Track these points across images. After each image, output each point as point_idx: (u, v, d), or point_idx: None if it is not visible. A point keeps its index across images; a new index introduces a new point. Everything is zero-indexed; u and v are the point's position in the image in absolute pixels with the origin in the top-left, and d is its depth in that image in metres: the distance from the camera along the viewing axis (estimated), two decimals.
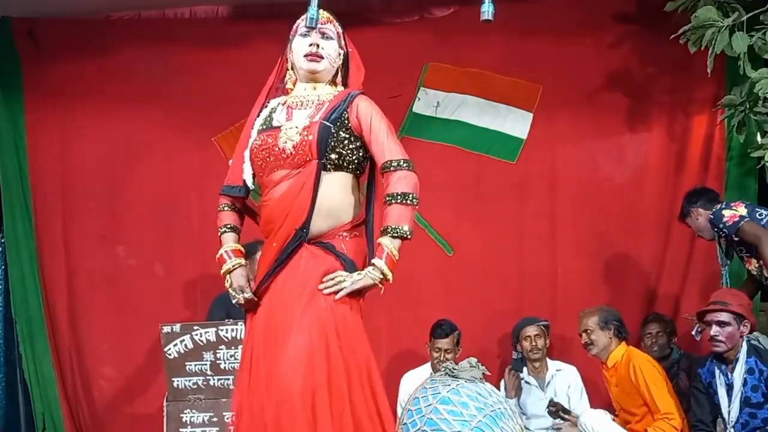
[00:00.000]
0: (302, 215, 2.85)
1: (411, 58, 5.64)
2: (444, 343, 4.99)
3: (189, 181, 5.54)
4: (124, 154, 5.66)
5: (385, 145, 2.92)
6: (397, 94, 5.68)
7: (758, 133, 4.89)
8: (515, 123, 5.65)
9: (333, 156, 2.89)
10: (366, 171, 3.03)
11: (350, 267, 2.87)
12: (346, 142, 2.91)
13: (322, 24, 3.02)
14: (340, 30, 3.09)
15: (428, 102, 5.70)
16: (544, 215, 5.60)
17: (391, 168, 2.90)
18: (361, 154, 2.95)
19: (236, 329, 4.45)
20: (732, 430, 4.31)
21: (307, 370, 2.72)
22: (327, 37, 3.03)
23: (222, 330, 4.48)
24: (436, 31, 5.63)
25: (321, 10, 3.06)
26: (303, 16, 3.09)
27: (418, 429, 3.94)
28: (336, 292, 2.82)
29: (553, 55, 5.55)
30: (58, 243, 5.63)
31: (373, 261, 2.85)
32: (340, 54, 3.07)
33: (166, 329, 4.49)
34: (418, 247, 5.63)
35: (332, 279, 2.83)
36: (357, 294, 2.86)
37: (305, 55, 3.00)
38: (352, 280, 2.82)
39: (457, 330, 5.08)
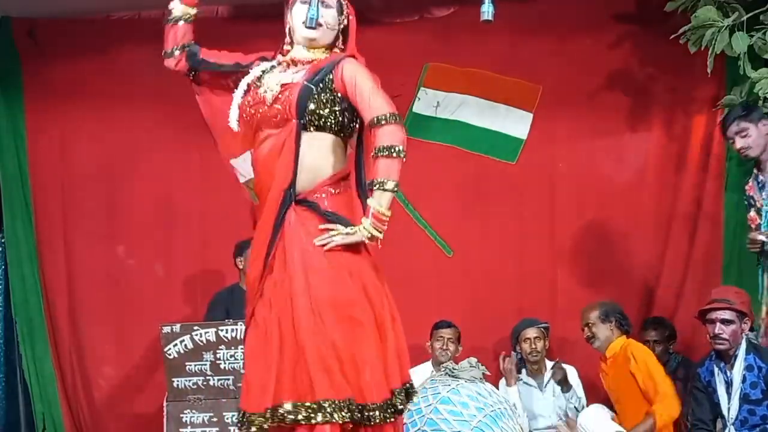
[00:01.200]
0: (288, 175, 2.86)
1: (411, 58, 5.63)
2: (446, 332, 5.03)
3: (189, 181, 5.54)
4: (124, 153, 5.66)
5: (371, 102, 2.91)
6: (397, 94, 5.65)
7: None
8: (515, 123, 5.65)
9: (313, 117, 2.89)
10: (354, 133, 3.02)
11: (335, 221, 2.87)
12: (328, 103, 2.90)
13: None
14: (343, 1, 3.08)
15: (428, 102, 5.70)
16: (544, 215, 5.60)
17: (377, 123, 2.88)
18: (346, 116, 2.94)
19: (236, 329, 4.45)
20: (731, 427, 4.31)
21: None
22: (326, 5, 3.02)
23: (222, 330, 4.47)
24: (436, 31, 5.62)
25: None
26: None
27: (418, 429, 3.94)
28: (326, 245, 2.83)
29: (553, 55, 5.55)
30: (58, 243, 5.63)
31: (363, 218, 2.85)
32: (338, 21, 3.06)
33: (166, 329, 4.49)
34: (418, 247, 5.66)
35: (325, 235, 2.84)
36: (351, 248, 2.86)
37: (303, 22, 3.00)
38: (342, 236, 2.83)
39: (458, 327, 5.10)
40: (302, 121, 2.87)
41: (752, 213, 4.38)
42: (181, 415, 4.46)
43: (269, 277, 2.87)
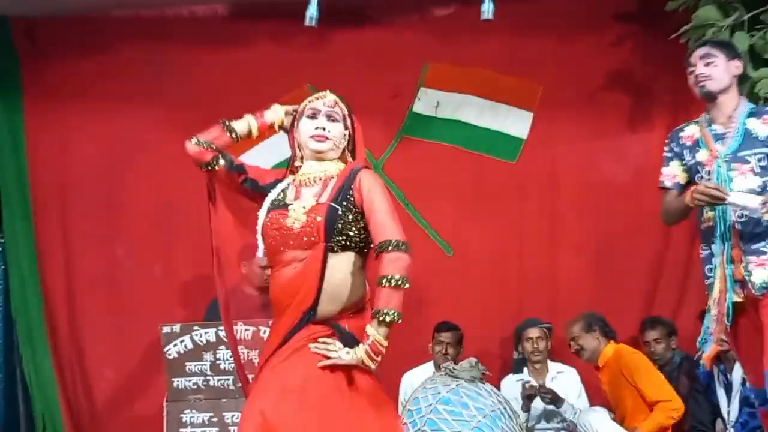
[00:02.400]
0: (310, 297, 2.90)
1: (411, 58, 5.63)
2: (446, 336, 5.03)
3: (188, 182, 5.50)
4: (123, 154, 5.65)
5: (382, 225, 2.94)
6: (397, 94, 5.68)
7: None
8: (515, 123, 5.65)
9: (340, 238, 2.94)
10: (369, 249, 3.04)
11: (351, 341, 2.92)
12: (353, 222, 2.96)
13: (329, 107, 3.09)
14: (346, 111, 3.13)
15: (428, 102, 5.70)
16: (545, 215, 5.59)
17: (384, 248, 2.91)
18: (367, 231, 2.98)
19: (236, 330, 4.43)
20: (731, 429, 4.31)
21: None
22: (333, 120, 3.09)
23: (222, 330, 4.46)
24: (436, 31, 5.62)
25: (330, 94, 3.12)
26: (310, 98, 3.13)
27: (418, 429, 3.93)
28: (324, 356, 2.88)
29: (554, 54, 5.55)
30: (57, 243, 5.63)
31: (361, 344, 2.89)
32: (345, 135, 3.12)
33: (166, 329, 4.48)
34: (418, 248, 5.61)
35: (326, 343, 2.89)
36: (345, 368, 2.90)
37: (311, 136, 3.06)
38: (339, 355, 2.87)
39: (460, 330, 5.09)
40: (330, 243, 2.92)
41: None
42: (181, 416, 4.45)
43: (265, 370, 2.95)
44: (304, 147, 3.10)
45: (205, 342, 4.47)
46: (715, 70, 3.42)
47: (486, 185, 5.64)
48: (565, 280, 5.52)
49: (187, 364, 4.45)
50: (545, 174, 5.62)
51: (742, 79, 4.74)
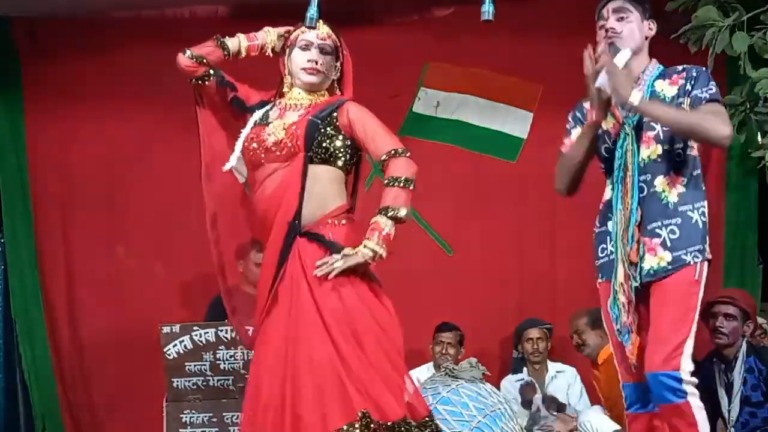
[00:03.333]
0: (293, 207, 2.96)
1: (411, 58, 5.64)
2: (446, 336, 5.03)
3: (189, 182, 5.50)
4: (124, 154, 5.65)
5: (381, 138, 3.05)
6: (397, 94, 5.68)
7: (758, 133, 4.89)
8: (515, 123, 5.65)
9: (319, 150, 3.00)
10: (352, 171, 3.13)
11: (334, 247, 2.95)
12: (332, 138, 3.02)
13: (321, 40, 3.13)
14: (338, 43, 3.18)
15: (428, 102, 5.70)
16: (545, 215, 5.59)
17: (390, 156, 3.01)
18: (349, 152, 3.05)
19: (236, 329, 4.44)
20: (732, 429, 4.31)
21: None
22: (325, 52, 3.14)
23: (222, 330, 4.47)
24: (436, 31, 5.62)
25: (322, 25, 3.15)
26: (302, 26, 3.16)
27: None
28: (329, 274, 2.90)
29: (553, 55, 5.54)
30: (58, 243, 5.62)
31: (366, 239, 2.92)
32: (336, 67, 3.18)
33: (166, 329, 4.48)
34: (418, 247, 5.65)
35: (324, 262, 2.91)
36: (352, 273, 2.93)
37: (303, 68, 3.12)
38: (343, 260, 2.90)
39: (460, 330, 5.09)
40: (309, 154, 2.98)
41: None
42: (181, 415, 4.45)
43: (274, 310, 2.96)
44: (294, 76, 3.15)
45: (205, 342, 4.47)
46: (628, 27, 3.11)
47: (486, 185, 5.64)
48: (565, 280, 5.51)
49: (187, 364, 4.45)
50: (545, 174, 5.59)
51: (742, 79, 4.77)
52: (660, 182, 3.02)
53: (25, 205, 5.58)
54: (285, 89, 3.19)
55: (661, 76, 3.12)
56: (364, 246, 2.91)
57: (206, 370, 4.45)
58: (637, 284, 3.02)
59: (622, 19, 3.11)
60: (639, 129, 3.07)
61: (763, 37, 4.60)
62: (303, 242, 2.95)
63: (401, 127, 5.65)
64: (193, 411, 4.45)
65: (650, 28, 3.17)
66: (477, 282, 5.55)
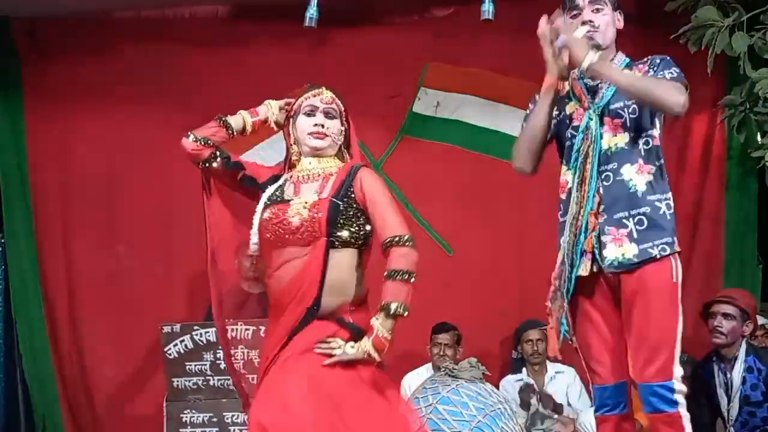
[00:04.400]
0: (313, 292, 2.90)
1: (411, 58, 5.63)
2: (443, 337, 5.02)
3: (189, 181, 5.49)
4: (124, 154, 5.65)
5: (388, 220, 2.97)
6: (397, 94, 5.68)
7: (758, 133, 4.89)
8: (515, 123, 5.61)
9: (341, 233, 2.94)
10: (371, 246, 3.06)
11: (357, 333, 2.92)
12: (353, 219, 2.97)
13: (326, 104, 3.09)
14: (342, 108, 3.14)
15: (428, 102, 5.70)
16: (545, 215, 5.54)
17: (393, 243, 2.94)
18: (367, 229, 3.00)
19: (236, 329, 4.44)
20: (732, 429, 4.31)
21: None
22: (330, 117, 3.10)
23: None
24: (436, 31, 5.62)
25: (326, 91, 3.12)
26: (306, 94, 3.13)
27: (421, 428, 3.94)
28: (328, 356, 2.87)
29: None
30: (58, 243, 5.63)
31: (366, 338, 2.89)
32: (341, 131, 3.13)
33: (166, 329, 4.49)
34: (418, 247, 5.63)
35: (329, 343, 2.89)
36: (350, 363, 2.89)
37: (309, 134, 3.07)
38: (343, 351, 2.87)
39: (457, 330, 5.09)
40: (331, 239, 2.92)
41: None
42: (181, 415, 4.46)
43: (268, 374, 2.93)
44: (301, 143, 3.10)
45: (205, 342, 4.47)
46: (604, 20, 3.03)
47: (486, 185, 5.64)
48: None
49: (187, 364, 4.46)
50: (546, 173, 5.60)
51: (742, 79, 4.77)
52: (627, 170, 2.94)
53: (25, 205, 5.59)
54: (294, 159, 3.13)
55: (628, 67, 3.08)
56: (363, 344, 2.88)
57: (206, 370, 4.46)
58: (585, 273, 2.94)
59: (598, 11, 3.03)
60: (604, 115, 3.00)
61: (762, 37, 4.61)
62: (318, 323, 2.92)
63: (401, 127, 5.65)
64: (193, 411, 4.46)
65: (618, 19, 3.10)
66: (477, 282, 5.55)
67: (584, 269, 2.96)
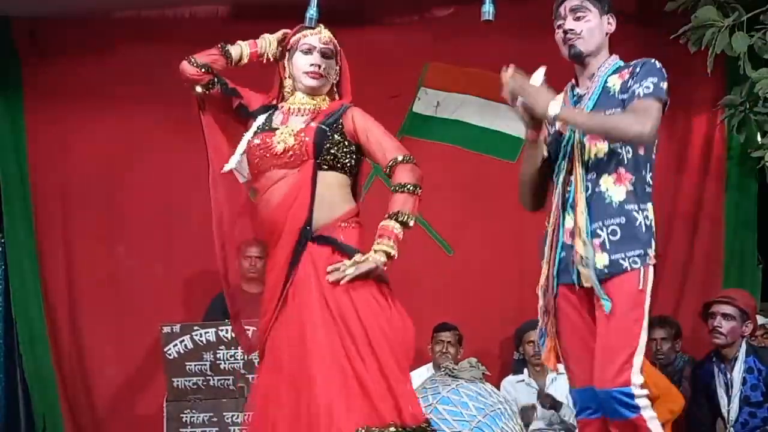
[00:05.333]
0: (304, 213, 2.97)
1: (411, 58, 5.64)
2: (446, 335, 5.03)
3: (189, 181, 5.53)
4: (124, 154, 5.65)
5: (388, 144, 3.11)
6: (397, 94, 5.68)
7: (758, 133, 4.89)
8: (515, 122, 5.61)
9: (328, 157, 3.03)
10: (356, 175, 3.16)
11: (353, 253, 2.97)
12: (339, 144, 3.05)
13: (324, 44, 3.16)
14: (338, 48, 3.23)
15: (428, 102, 5.70)
16: (545, 215, 5.58)
17: (397, 162, 3.07)
18: (354, 157, 3.10)
19: None
20: (731, 429, 4.32)
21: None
22: (327, 56, 3.17)
23: (222, 330, 4.47)
24: (436, 31, 5.63)
25: (323, 29, 3.18)
26: (304, 31, 3.16)
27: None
28: (341, 280, 2.92)
29: (554, 55, 5.53)
30: (58, 243, 5.63)
31: (376, 243, 2.95)
32: (336, 71, 3.21)
33: (166, 329, 4.48)
34: (418, 247, 5.64)
35: (336, 268, 2.93)
36: (364, 277, 2.94)
37: (306, 72, 3.13)
38: (355, 266, 2.92)
39: (458, 330, 5.09)
40: (318, 161, 3.00)
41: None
42: (181, 415, 4.45)
43: (283, 314, 2.96)
44: (296, 80, 3.16)
45: (205, 342, 4.47)
46: (587, 26, 2.98)
47: (486, 185, 5.64)
48: None
49: (187, 364, 4.45)
50: None
51: (742, 79, 4.78)
52: (605, 181, 2.91)
53: (25, 205, 5.58)
54: (286, 92, 3.19)
55: (616, 71, 3.04)
56: (375, 251, 2.94)
57: (206, 370, 4.46)
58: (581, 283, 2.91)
59: (579, 18, 3.00)
60: None
61: (762, 37, 4.61)
62: (314, 247, 2.97)
63: (401, 127, 5.65)
64: (193, 411, 4.45)
65: (609, 23, 3.05)
66: (477, 282, 5.55)
67: (584, 279, 2.92)
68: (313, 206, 2.97)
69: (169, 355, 4.46)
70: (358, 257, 2.93)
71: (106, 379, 5.56)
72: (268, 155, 3.03)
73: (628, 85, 2.94)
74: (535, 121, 2.96)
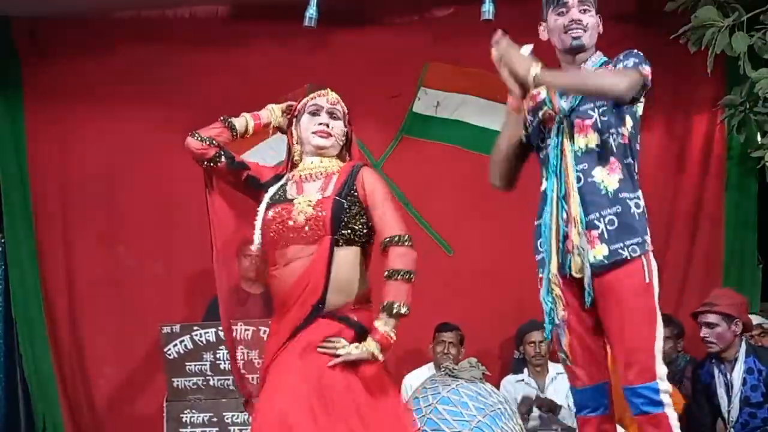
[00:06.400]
0: (318, 291, 2.92)
1: (411, 58, 5.64)
2: (448, 336, 5.03)
3: (189, 181, 5.49)
4: (124, 154, 5.65)
5: (387, 220, 3.00)
6: (397, 94, 5.68)
7: (758, 133, 4.89)
8: None
9: (345, 231, 2.97)
10: (373, 243, 3.08)
11: (361, 331, 2.94)
12: (357, 216, 2.99)
13: (331, 105, 3.12)
14: (346, 110, 3.17)
15: (428, 102, 5.70)
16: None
17: (392, 243, 2.97)
18: (368, 226, 3.03)
19: (236, 330, 4.42)
20: (732, 430, 4.32)
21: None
22: (335, 117, 3.12)
23: (222, 330, 4.47)
24: (436, 31, 5.63)
25: (331, 92, 3.14)
26: (311, 94, 3.15)
27: (418, 429, 3.94)
28: (332, 356, 2.88)
29: (553, 55, 5.54)
30: (58, 243, 5.63)
31: (369, 336, 2.92)
32: (344, 132, 3.15)
33: (166, 329, 4.48)
34: (418, 248, 5.60)
35: (332, 342, 2.90)
36: (353, 364, 2.91)
37: (314, 132, 3.08)
38: (347, 351, 2.88)
39: (460, 330, 5.09)
40: (335, 237, 2.95)
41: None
42: (181, 415, 4.45)
43: (275, 367, 2.95)
44: (305, 143, 3.11)
45: (205, 342, 4.47)
46: (592, 21, 3.01)
47: (486, 185, 5.58)
48: None
49: (187, 364, 4.45)
50: None
51: (742, 79, 4.77)
52: (598, 172, 2.92)
53: (25, 205, 5.59)
54: (296, 159, 3.14)
55: (603, 65, 3.02)
56: (367, 345, 2.90)
57: (206, 370, 4.46)
58: (576, 273, 2.94)
59: (585, 11, 3.00)
60: (575, 117, 2.97)
61: (762, 37, 4.61)
62: (324, 321, 2.93)
63: (401, 127, 5.65)
64: (193, 411, 4.45)
65: (598, 24, 3.08)
66: (477, 282, 5.54)
67: (575, 268, 2.96)
68: (327, 287, 2.91)
69: (169, 355, 4.46)
70: (353, 347, 2.88)
71: (106, 379, 5.56)
72: (284, 229, 2.97)
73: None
74: (520, 88, 2.92)
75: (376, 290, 3.02)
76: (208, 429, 4.45)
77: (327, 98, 3.13)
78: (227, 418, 4.43)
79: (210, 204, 3.22)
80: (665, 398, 2.82)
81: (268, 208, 3.03)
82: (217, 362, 4.46)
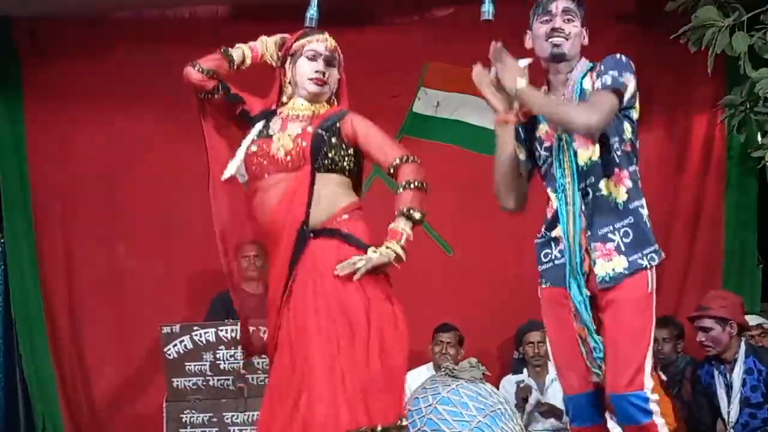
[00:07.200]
0: (301, 211, 2.97)
1: (411, 58, 5.64)
2: (446, 336, 5.03)
3: (189, 181, 5.53)
4: (124, 154, 5.65)
5: (389, 146, 3.11)
6: (397, 94, 5.68)
7: (758, 133, 4.89)
8: None
9: (326, 161, 3.03)
10: (357, 174, 3.15)
11: (360, 245, 2.98)
12: (337, 148, 3.05)
13: (329, 52, 3.15)
14: (341, 57, 3.22)
15: (428, 102, 5.70)
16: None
17: (402, 161, 3.06)
18: (353, 160, 3.09)
19: (236, 329, 4.43)
20: (732, 430, 4.32)
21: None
22: (331, 65, 3.16)
23: (222, 330, 4.48)
24: (436, 31, 5.63)
25: (330, 38, 3.17)
26: (309, 37, 3.14)
27: (418, 429, 3.94)
28: (353, 273, 2.92)
29: None
30: (58, 243, 5.63)
31: (388, 240, 2.98)
32: (338, 80, 3.20)
33: (166, 329, 4.49)
34: (418, 248, 5.61)
35: (348, 262, 2.93)
36: (373, 272, 2.97)
37: (310, 79, 3.11)
38: (366, 259, 2.93)
39: (459, 331, 5.09)
40: (315, 166, 3.00)
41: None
42: (181, 415, 4.45)
43: (286, 312, 2.97)
44: (299, 86, 3.14)
45: (205, 342, 4.47)
46: (574, 30, 2.98)
47: (486, 185, 5.59)
48: None
49: (187, 364, 4.46)
50: None
51: (742, 79, 4.77)
52: (605, 184, 2.89)
53: (25, 205, 5.58)
54: (285, 99, 3.17)
55: (590, 71, 3.04)
56: (387, 247, 2.96)
57: (206, 370, 4.46)
58: (586, 294, 2.90)
59: (569, 20, 2.98)
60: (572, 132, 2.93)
61: (763, 37, 4.61)
62: (317, 243, 2.97)
63: (401, 127, 5.65)
64: (193, 411, 4.46)
65: (584, 36, 3.05)
66: (477, 282, 5.54)
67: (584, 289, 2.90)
68: (310, 205, 2.97)
69: (169, 355, 4.46)
70: (371, 251, 2.93)
71: (106, 379, 5.56)
72: (266, 161, 3.03)
73: (595, 83, 2.95)
74: (504, 97, 3.00)
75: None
76: (208, 429, 4.45)
77: (326, 45, 3.15)
78: (227, 418, 4.44)
79: (206, 133, 3.23)
80: (654, 407, 2.79)
81: (252, 143, 3.08)
82: (217, 362, 4.47)
